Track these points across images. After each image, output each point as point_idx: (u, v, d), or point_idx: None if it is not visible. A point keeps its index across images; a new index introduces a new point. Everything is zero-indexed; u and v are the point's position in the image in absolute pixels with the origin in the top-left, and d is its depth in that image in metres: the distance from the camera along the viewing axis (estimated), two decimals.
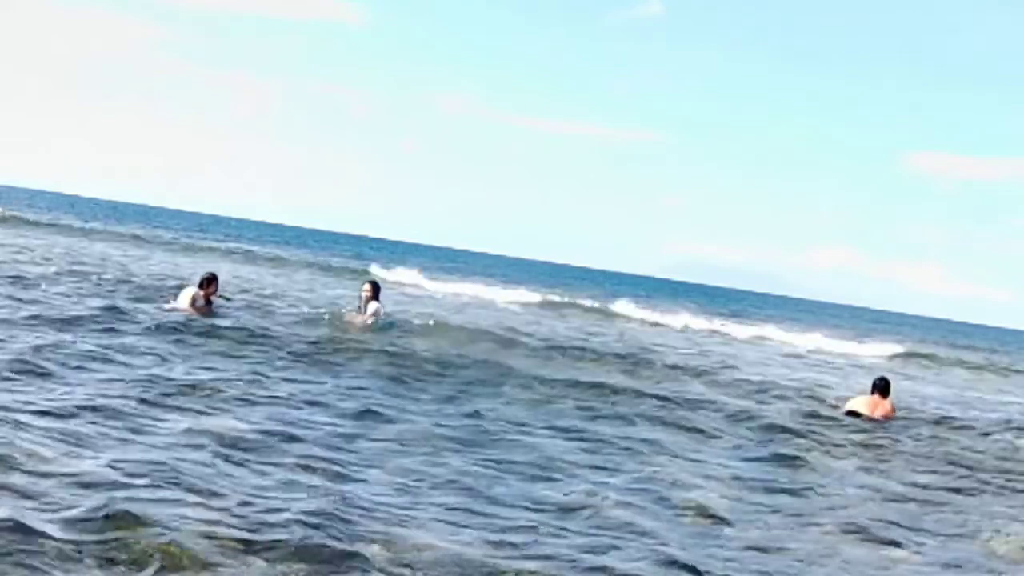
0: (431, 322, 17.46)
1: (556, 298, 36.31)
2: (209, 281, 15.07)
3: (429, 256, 78.38)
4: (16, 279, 16.23)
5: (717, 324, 35.53)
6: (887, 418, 13.01)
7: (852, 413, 13.08)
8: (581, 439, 9.29)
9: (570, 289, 44.55)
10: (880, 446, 11.17)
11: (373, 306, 15.51)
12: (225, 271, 23.14)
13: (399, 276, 36.10)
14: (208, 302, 14.82)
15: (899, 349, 34.41)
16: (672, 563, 5.68)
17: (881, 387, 13.23)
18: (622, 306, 36.00)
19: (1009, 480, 9.99)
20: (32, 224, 40.12)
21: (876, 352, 32.43)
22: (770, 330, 35.38)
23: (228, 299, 17.02)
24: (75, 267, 20.69)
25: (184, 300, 14.65)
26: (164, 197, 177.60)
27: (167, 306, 14.82)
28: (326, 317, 16.14)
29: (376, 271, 37.13)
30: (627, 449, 9.09)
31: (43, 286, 15.81)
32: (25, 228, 37.16)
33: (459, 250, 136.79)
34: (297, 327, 14.71)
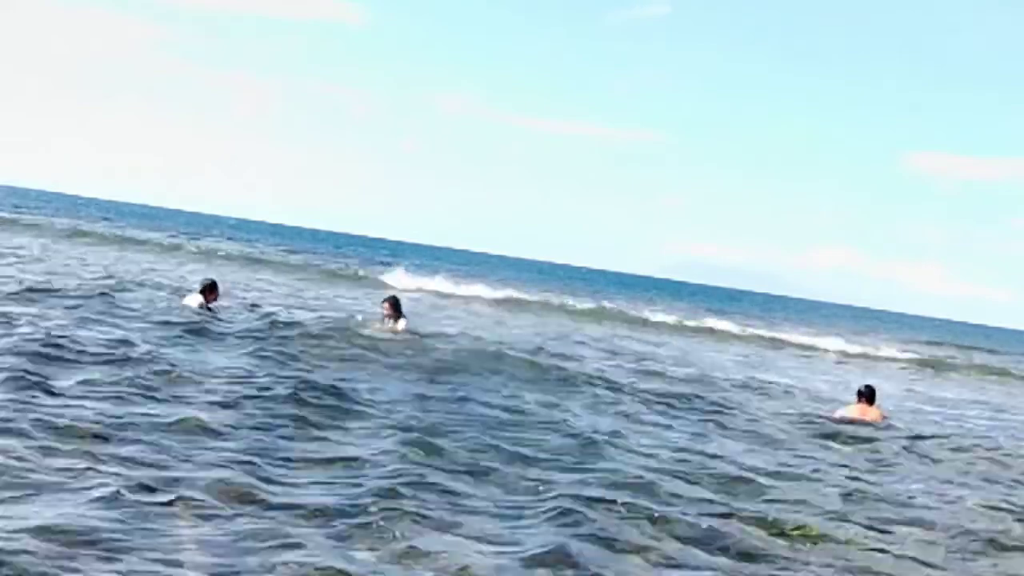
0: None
1: (554, 299, 36.55)
2: (210, 288, 15.32)
3: (429, 256, 78.21)
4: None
5: (713, 322, 35.46)
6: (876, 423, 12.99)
7: (844, 421, 13.04)
8: None
9: (566, 289, 44.52)
10: (873, 453, 11.12)
11: (402, 323, 15.47)
12: (244, 277, 22.88)
13: (388, 278, 35.86)
14: (208, 309, 14.91)
15: (911, 354, 34.31)
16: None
17: (867, 395, 13.40)
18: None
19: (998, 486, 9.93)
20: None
21: (888, 355, 32.35)
22: (763, 330, 35.27)
23: (256, 305, 17.52)
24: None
25: (191, 302, 15.02)
26: (164, 197, 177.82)
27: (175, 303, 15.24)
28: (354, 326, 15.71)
29: (363, 273, 37.15)
30: None
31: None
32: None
33: (459, 250, 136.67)
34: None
